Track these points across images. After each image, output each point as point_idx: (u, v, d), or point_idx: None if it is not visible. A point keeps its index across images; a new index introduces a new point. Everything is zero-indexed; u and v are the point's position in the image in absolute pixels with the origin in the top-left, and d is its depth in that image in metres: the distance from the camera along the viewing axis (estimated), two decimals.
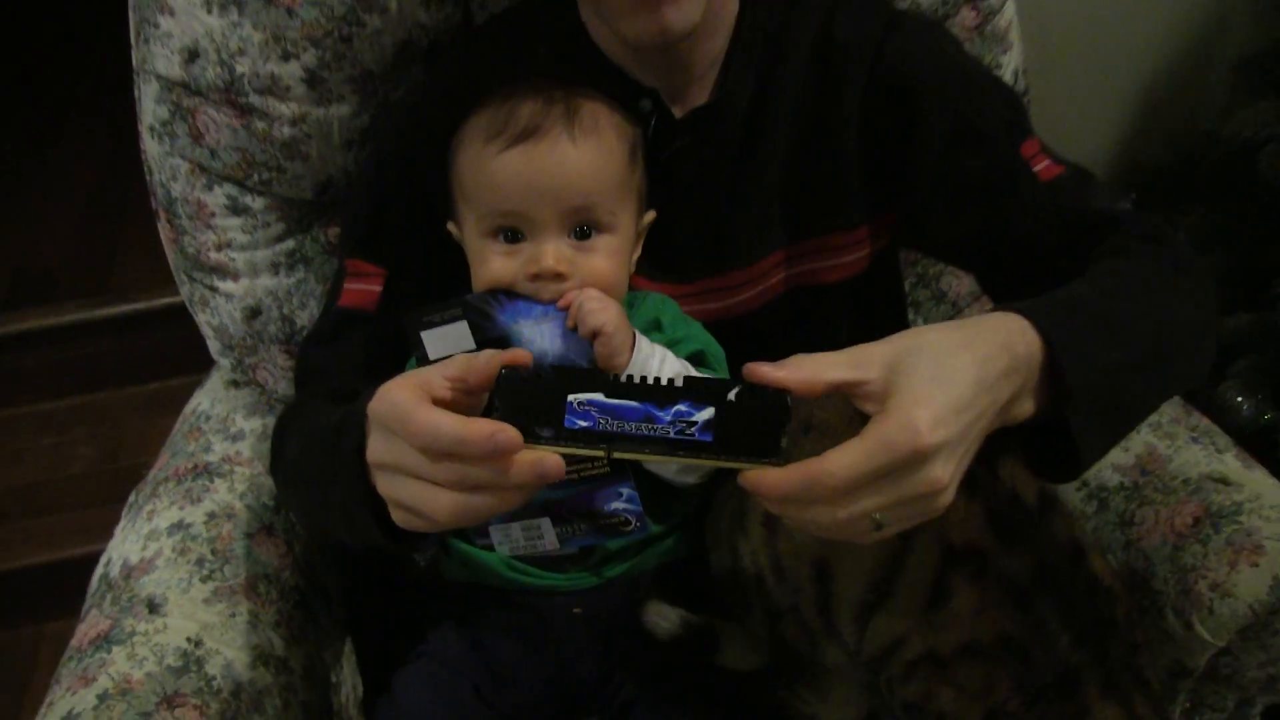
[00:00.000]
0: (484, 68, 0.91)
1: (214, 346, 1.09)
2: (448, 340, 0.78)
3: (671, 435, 0.56)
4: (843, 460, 0.56)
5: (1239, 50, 1.50)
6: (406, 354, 0.83)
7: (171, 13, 0.94)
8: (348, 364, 0.91)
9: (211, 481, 0.98)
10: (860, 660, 0.73)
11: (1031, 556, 0.67)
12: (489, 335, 0.78)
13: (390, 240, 0.91)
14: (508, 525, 0.77)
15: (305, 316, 1.06)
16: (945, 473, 0.57)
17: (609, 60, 0.87)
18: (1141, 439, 0.94)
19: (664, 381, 0.57)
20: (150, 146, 1.01)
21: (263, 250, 1.04)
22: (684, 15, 0.76)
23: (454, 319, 0.78)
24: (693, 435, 0.56)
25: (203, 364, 1.94)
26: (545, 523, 0.76)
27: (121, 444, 1.81)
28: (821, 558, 0.72)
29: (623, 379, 0.57)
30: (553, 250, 0.78)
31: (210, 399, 1.11)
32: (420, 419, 0.58)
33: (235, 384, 1.10)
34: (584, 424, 0.57)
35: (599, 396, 0.56)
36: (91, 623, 0.86)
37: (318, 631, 0.94)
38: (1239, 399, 1.26)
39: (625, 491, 0.75)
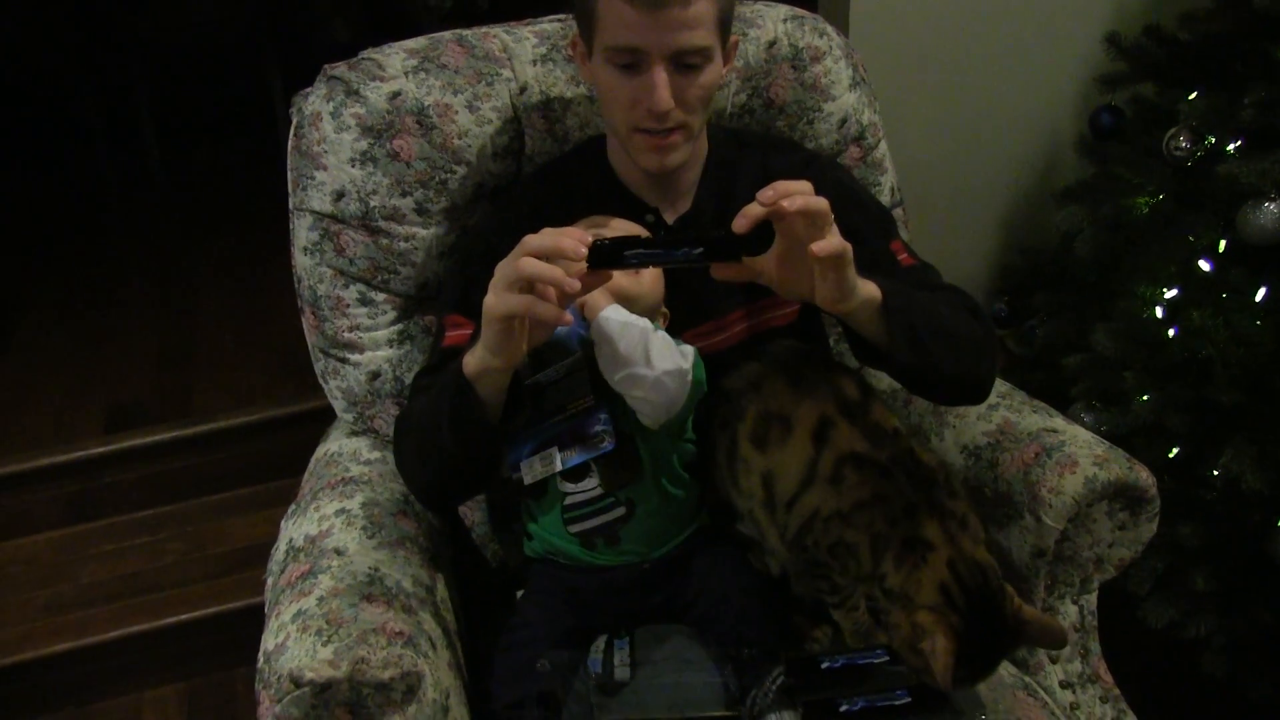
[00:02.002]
0: (539, 198, 1.35)
1: (339, 406, 1.46)
2: None
3: (683, 259, 0.98)
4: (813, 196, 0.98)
5: (1064, 182, 2.04)
6: None
7: (325, 168, 1.36)
8: None
9: (357, 486, 1.33)
10: (788, 540, 1.13)
11: (888, 450, 1.09)
12: None
13: (475, 309, 1.32)
14: (530, 459, 1.14)
15: (410, 377, 1.42)
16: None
17: (627, 188, 1.33)
18: (1000, 415, 1.38)
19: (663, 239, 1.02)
20: (302, 260, 1.41)
21: (382, 330, 1.43)
22: (677, 157, 1.24)
23: None
24: (695, 257, 0.99)
25: (268, 478, 2.33)
26: (554, 451, 1.13)
27: (205, 540, 2.14)
28: (766, 471, 1.14)
29: (645, 242, 0.99)
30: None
31: (338, 444, 1.45)
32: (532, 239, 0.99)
33: (355, 433, 1.46)
34: (634, 261, 0.99)
35: (640, 250, 0.98)
36: (292, 570, 1.19)
37: (443, 575, 1.30)
38: (1083, 415, 1.72)
39: (603, 416, 1.12)
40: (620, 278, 1.18)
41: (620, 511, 1.19)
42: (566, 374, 1.13)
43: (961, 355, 1.17)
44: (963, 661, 0.99)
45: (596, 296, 1.13)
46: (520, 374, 1.15)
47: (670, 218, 1.33)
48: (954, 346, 1.15)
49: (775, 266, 1.05)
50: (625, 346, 1.09)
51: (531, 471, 1.14)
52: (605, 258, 0.99)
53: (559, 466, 1.13)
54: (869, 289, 1.07)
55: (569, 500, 1.21)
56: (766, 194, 0.98)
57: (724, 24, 1.19)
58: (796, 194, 0.97)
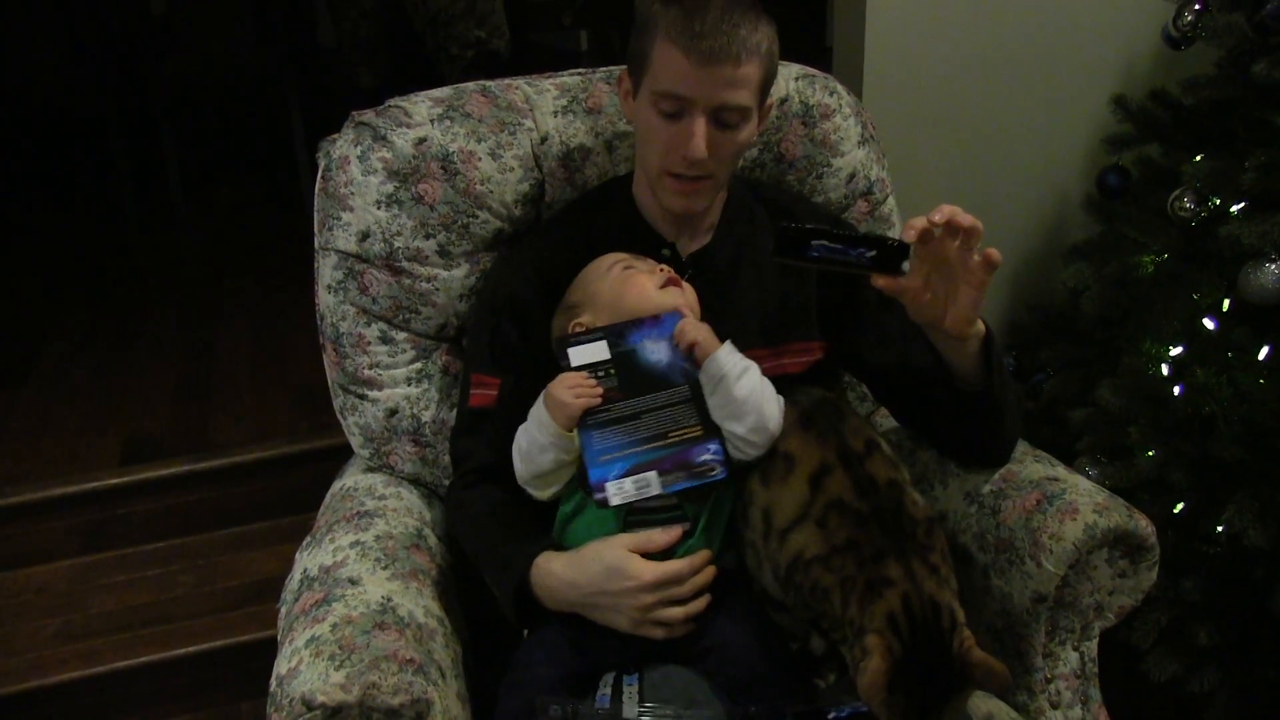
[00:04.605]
0: (561, 236, 1.40)
1: (356, 441, 1.49)
2: (586, 353, 1.21)
3: (856, 260, 1.08)
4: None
5: (1071, 240, 2.08)
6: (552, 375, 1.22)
7: (351, 209, 1.41)
8: (483, 448, 1.36)
9: (372, 520, 1.35)
10: (781, 577, 1.17)
11: (872, 502, 1.13)
12: (620, 349, 1.21)
13: (502, 359, 1.35)
14: (621, 481, 1.15)
15: (427, 415, 1.47)
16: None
17: (647, 223, 1.37)
18: (1003, 466, 1.40)
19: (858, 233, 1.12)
20: (325, 298, 1.45)
21: (401, 369, 1.46)
22: (702, 200, 1.30)
23: (596, 339, 1.22)
24: (866, 261, 1.08)
25: (281, 513, 2.36)
26: (651, 475, 1.15)
27: (216, 573, 2.16)
28: (767, 505, 1.18)
29: (831, 234, 1.07)
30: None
31: (354, 480, 1.48)
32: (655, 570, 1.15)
33: (371, 469, 1.50)
34: (816, 254, 1.07)
35: (824, 242, 1.06)
36: (306, 598, 1.21)
37: (453, 609, 1.32)
38: (1088, 469, 1.74)
39: (713, 446, 1.16)
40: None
41: (685, 525, 1.21)
42: (668, 404, 1.19)
43: (1015, 409, 1.32)
44: (898, 689, 1.03)
45: (709, 338, 1.21)
46: (611, 395, 1.20)
47: (685, 254, 1.38)
48: (1012, 399, 1.30)
49: (918, 288, 1.14)
50: (743, 389, 1.18)
51: (621, 493, 1.16)
52: (791, 247, 1.07)
53: (656, 490, 1.16)
54: (979, 323, 1.19)
55: (639, 504, 1.21)
56: (936, 215, 1.08)
57: (765, 88, 1.26)
58: (965, 213, 1.09)
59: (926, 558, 1.10)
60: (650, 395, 1.19)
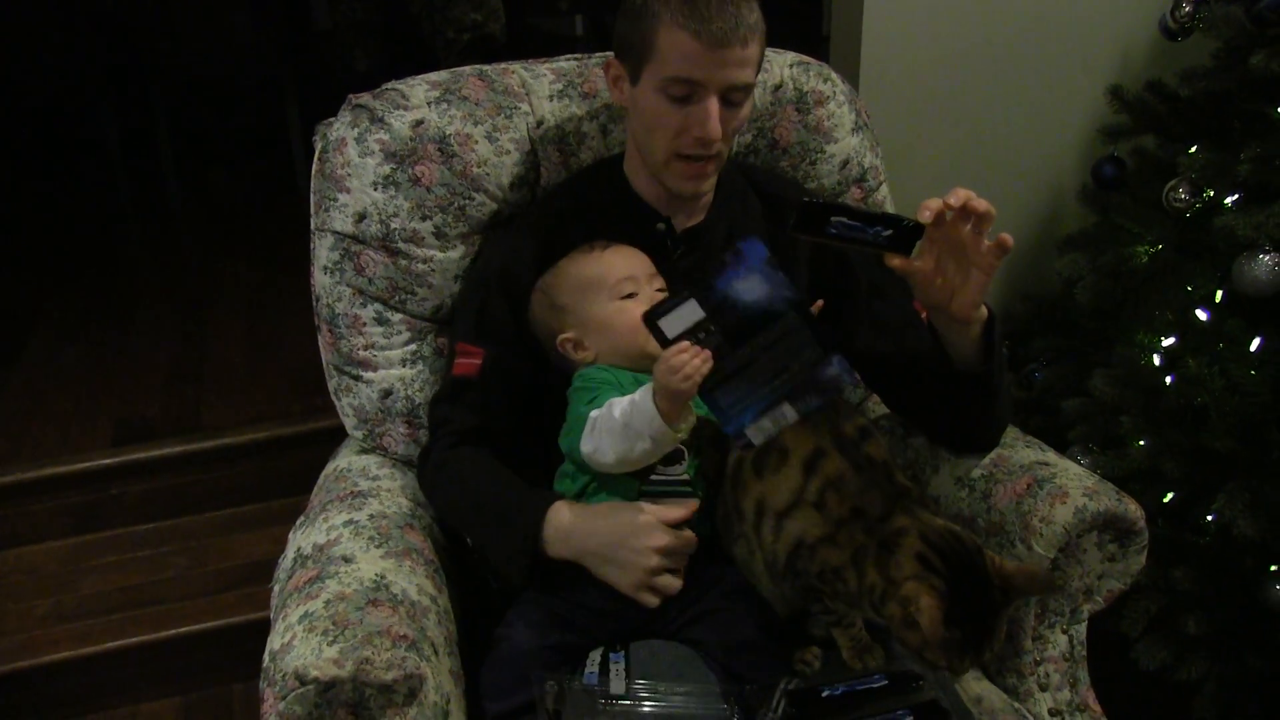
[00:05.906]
0: (554, 215, 1.40)
1: (350, 423, 1.49)
2: (680, 319, 1.10)
3: (872, 239, 1.10)
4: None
5: (1066, 230, 2.09)
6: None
7: (348, 191, 1.41)
8: (464, 414, 1.37)
9: (366, 500, 1.35)
10: (779, 570, 1.17)
11: (867, 476, 1.13)
12: (712, 301, 1.10)
13: (488, 331, 1.37)
14: (759, 422, 1.11)
15: (421, 397, 1.46)
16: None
17: (642, 200, 1.38)
18: (993, 451, 1.41)
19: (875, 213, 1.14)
20: (321, 279, 1.44)
21: (396, 350, 1.46)
22: (709, 183, 1.32)
23: (682, 301, 1.10)
24: (882, 240, 1.10)
25: (273, 495, 2.35)
26: (785, 406, 1.11)
27: (208, 555, 2.16)
28: (760, 496, 1.18)
29: (850, 211, 1.10)
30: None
31: (347, 461, 1.48)
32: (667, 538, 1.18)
33: (364, 450, 1.50)
34: (834, 231, 1.08)
35: (843, 219, 1.08)
36: (300, 575, 1.21)
37: (445, 588, 1.31)
38: (1080, 458, 1.75)
39: (835, 359, 1.11)
40: None
41: (696, 501, 1.23)
42: (781, 337, 1.11)
43: (1007, 395, 1.34)
44: (954, 623, 1.01)
45: None
46: (720, 352, 1.12)
47: (680, 230, 1.39)
48: (1006, 386, 1.32)
49: (930, 270, 1.17)
50: None
51: (762, 432, 1.12)
52: (811, 223, 1.09)
53: (793, 419, 1.12)
54: (983, 307, 1.22)
55: (655, 476, 1.24)
56: (951, 198, 1.11)
57: (760, 66, 1.28)
58: (979, 198, 1.13)
59: (926, 504, 1.11)
60: (760, 336, 1.10)
